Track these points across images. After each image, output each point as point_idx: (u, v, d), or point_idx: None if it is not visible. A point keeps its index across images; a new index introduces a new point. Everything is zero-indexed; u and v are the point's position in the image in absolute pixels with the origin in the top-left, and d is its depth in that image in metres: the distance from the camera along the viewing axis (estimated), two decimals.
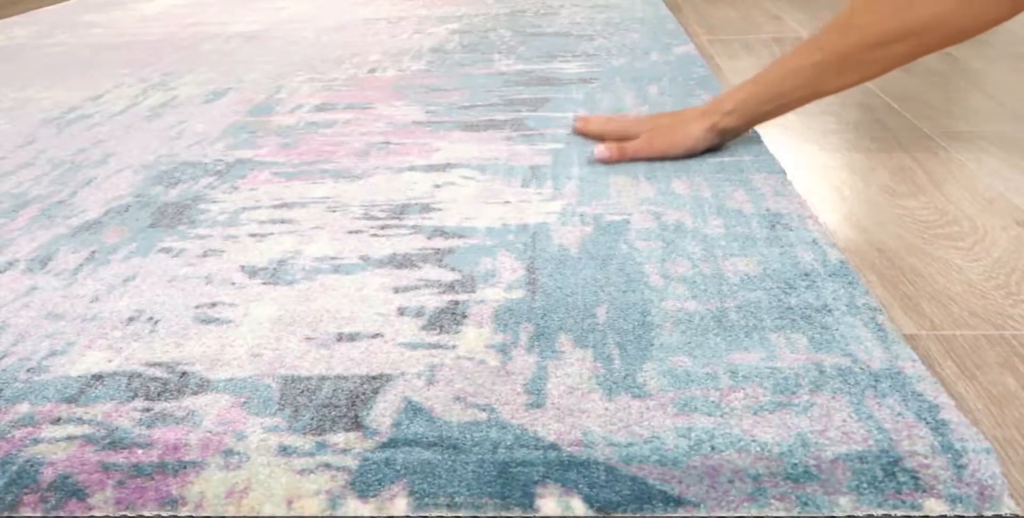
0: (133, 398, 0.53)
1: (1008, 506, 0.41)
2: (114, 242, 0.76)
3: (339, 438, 0.48)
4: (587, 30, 1.61)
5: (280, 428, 0.49)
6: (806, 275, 0.63)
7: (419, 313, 0.61)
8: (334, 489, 0.45)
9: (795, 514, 0.42)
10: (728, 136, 0.89)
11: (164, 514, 0.44)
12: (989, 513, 0.41)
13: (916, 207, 0.78)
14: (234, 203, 0.83)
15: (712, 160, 0.88)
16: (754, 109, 0.85)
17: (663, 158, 0.87)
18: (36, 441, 0.49)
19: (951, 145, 0.92)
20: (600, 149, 0.88)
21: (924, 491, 0.42)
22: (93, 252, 0.74)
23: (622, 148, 0.88)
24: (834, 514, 0.41)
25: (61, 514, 0.44)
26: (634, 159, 0.88)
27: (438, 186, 0.85)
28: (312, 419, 0.50)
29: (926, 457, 0.44)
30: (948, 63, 1.26)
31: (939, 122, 1.00)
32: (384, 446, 0.47)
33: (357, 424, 0.49)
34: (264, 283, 0.67)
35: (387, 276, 0.67)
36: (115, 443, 0.48)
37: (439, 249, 0.71)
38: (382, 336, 0.58)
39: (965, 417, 0.47)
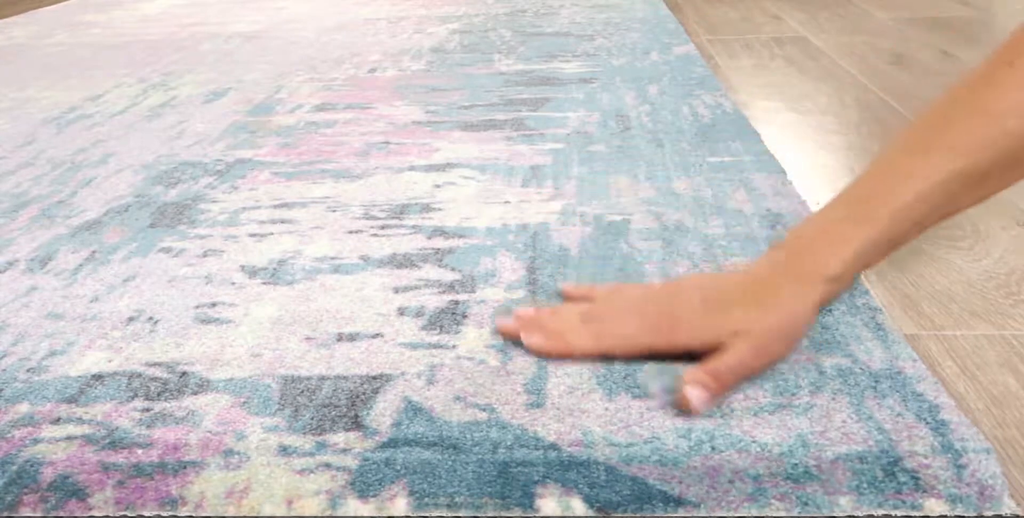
0: (133, 398, 0.53)
1: (1008, 506, 0.41)
2: (114, 242, 0.76)
3: (339, 438, 0.48)
4: (587, 30, 1.61)
5: (280, 428, 0.49)
6: None
7: (419, 313, 0.61)
8: (334, 489, 0.45)
9: (795, 514, 0.42)
10: (830, 304, 0.59)
11: (164, 514, 0.44)
12: (989, 513, 0.41)
13: None
14: (234, 203, 0.83)
15: (712, 160, 0.88)
16: (868, 259, 0.54)
17: (772, 366, 0.52)
18: (36, 441, 0.49)
19: None
20: (695, 393, 0.48)
21: (924, 491, 0.42)
22: (93, 252, 0.74)
23: (719, 375, 0.49)
24: (834, 514, 0.41)
25: (61, 514, 0.44)
26: (740, 384, 0.51)
27: (438, 186, 0.85)
28: (312, 419, 0.50)
29: (926, 457, 0.44)
30: (948, 63, 1.26)
31: None
32: (384, 446, 0.47)
33: (357, 424, 0.49)
34: (264, 283, 0.67)
35: (387, 276, 0.67)
36: (115, 443, 0.48)
37: (439, 249, 0.71)
38: (382, 336, 0.58)
39: (965, 417, 0.47)
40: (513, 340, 0.56)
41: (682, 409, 0.48)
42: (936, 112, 0.54)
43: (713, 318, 0.52)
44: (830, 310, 0.58)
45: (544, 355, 0.54)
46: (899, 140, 0.55)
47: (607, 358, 0.53)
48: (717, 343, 0.51)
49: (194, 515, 0.44)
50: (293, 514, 0.43)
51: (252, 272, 0.69)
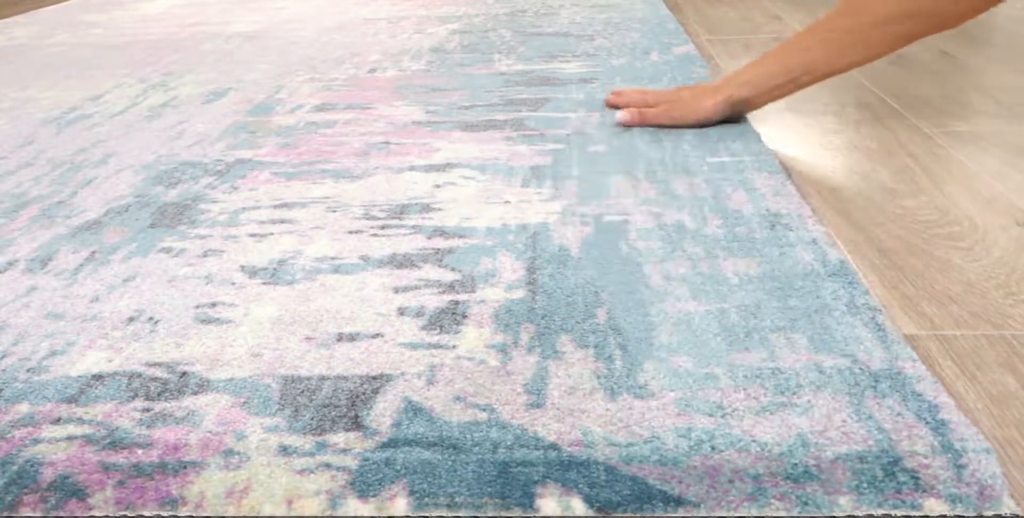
0: (133, 398, 0.53)
1: (1008, 506, 0.41)
2: (114, 242, 0.76)
3: (339, 438, 0.48)
4: (587, 30, 1.61)
5: (280, 428, 0.49)
6: (806, 275, 0.63)
7: (419, 313, 0.61)
8: (334, 489, 0.45)
9: (795, 514, 0.42)
10: (741, 108, 0.95)
11: (164, 514, 0.44)
12: (989, 513, 0.41)
13: (916, 207, 0.78)
14: (234, 203, 0.83)
15: (712, 160, 0.88)
16: (767, 82, 0.91)
17: (678, 126, 0.97)
18: (36, 441, 0.49)
19: (951, 145, 0.92)
20: (621, 113, 0.98)
21: (924, 491, 0.42)
22: (93, 252, 0.74)
23: (643, 113, 0.97)
24: (834, 514, 0.41)
25: (61, 514, 0.44)
26: (653, 124, 0.98)
27: (438, 186, 0.85)
28: (312, 419, 0.50)
29: (926, 457, 0.44)
30: (947, 63, 1.26)
31: (939, 122, 1.00)
32: (384, 446, 0.47)
33: (357, 424, 0.49)
34: (264, 283, 0.67)
35: (387, 276, 0.67)
36: (115, 443, 0.48)
37: (439, 249, 0.71)
38: (382, 336, 0.58)
39: (965, 417, 0.47)
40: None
41: (618, 122, 0.99)
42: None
43: (670, 94, 1.01)
44: (830, 310, 0.58)
45: (607, 104, 1.09)
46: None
47: (631, 107, 1.01)
48: (659, 104, 0.99)
49: (194, 515, 0.44)
50: (293, 514, 0.43)
51: (252, 272, 0.69)
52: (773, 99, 0.93)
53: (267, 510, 0.44)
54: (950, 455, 0.44)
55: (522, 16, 1.81)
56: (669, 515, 0.42)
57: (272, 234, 0.76)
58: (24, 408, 0.52)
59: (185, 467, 0.47)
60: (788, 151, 0.94)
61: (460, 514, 0.43)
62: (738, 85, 0.94)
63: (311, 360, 0.56)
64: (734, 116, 0.97)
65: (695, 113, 0.96)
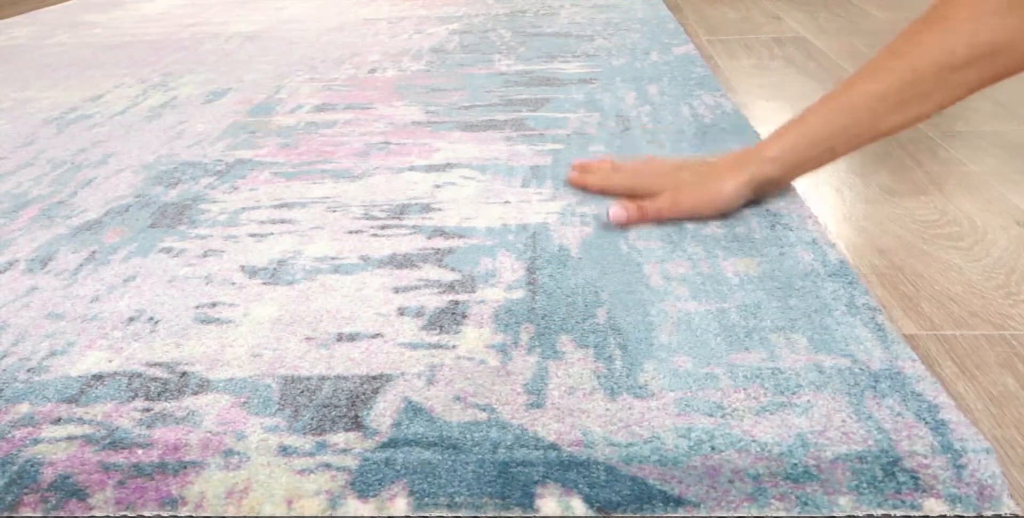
0: (133, 398, 0.53)
1: (1008, 506, 0.41)
2: (114, 242, 0.76)
3: (339, 438, 0.48)
4: (587, 30, 1.61)
5: (280, 428, 0.49)
6: (806, 275, 0.63)
7: (419, 313, 0.61)
8: (334, 489, 0.45)
9: (795, 514, 0.42)
10: (767, 188, 0.74)
11: (164, 514, 0.44)
12: (989, 513, 0.41)
13: (916, 207, 0.78)
14: (234, 203, 0.83)
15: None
16: (801, 154, 0.71)
17: (691, 218, 0.73)
18: (36, 441, 0.49)
19: (951, 145, 0.92)
20: (616, 210, 0.72)
21: (924, 491, 0.42)
22: (93, 252, 0.74)
23: (643, 208, 0.72)
24: (834, 514, 0.41)
25: (61, 514, 0.44)
26: (656, 221, 0.73)
27: (438, 186, 0.85)
28: (312, 419, 0.50)
29: (926, 457, 0.44)
30: None
31: (939, 122, 1.00)
32: (384, 446, 0.47)
33: (357, 424, 0.49)
34: (264, 283, 0.67)
35: (387, 276, 0.67)
36: (115, 443, 0.48)
37: (439, 249, 0.71)
38: (382, 336, 0.58)
39: (965, 417, 0.47)
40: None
41: (610, 220, 0.72)
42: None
43: (666, 176, 0.76)
44: (830, 310, 0.58)
45: (586, 187, 0.81)
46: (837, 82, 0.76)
47: (604, 192, 0.79)
48: (659, 192, 0.74)
49: (194, 515, 0.44)
50: (293, 514, 0.43)
51: (252, 272, 0.69)
52: (805, 173, 0.74)
53: (267, 510, 0.44)
54: (950, 455, 0.44)
55: (522, 16, 1.81)
56: (669, 515, 0.42)
57: (272, 234, 0.76)
58: (24, 408, 0.52)
59: (185, 467, 0.47)
60: None
61: (460, 514, 0.43)
62: (764, 161, 0.72)
63: (311, 360, 0.56)
64: (757, 198, 0.75)
65: (712, 202, 0.72)
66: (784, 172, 0.72)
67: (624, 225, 0.72)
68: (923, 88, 0.65)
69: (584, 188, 0.81)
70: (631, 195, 0.76)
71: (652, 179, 0.76)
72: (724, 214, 0.73)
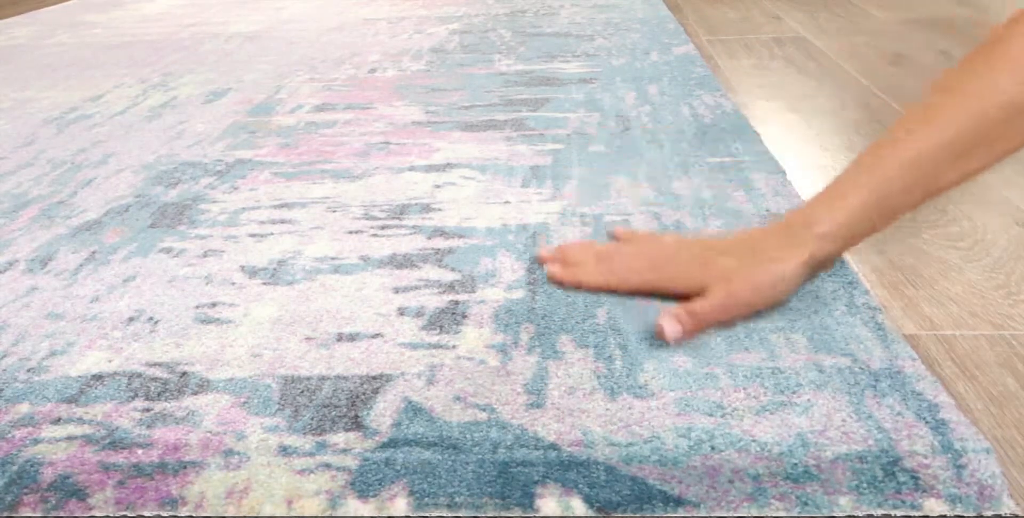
0: (133, 398, 0.53)
1: (1008, 506, 0.41)
2: (114, 242, 0.76)
3: (339, 438, 0.48)
4: (587, 30, 1.61)
5: (280, 428, 0.49)
6: None
7: (419, 313, 0.61)
8: (334, 489, 0.45)
9: (795, 514, 0.42)
10: (824, 268, 0.60)
11: (164, 514, 0.44)
12: (989, 513, 0.41)
13: None
14: (234, 203, 0.83)
15: (712, 160, 0.88)
16: (861, 225, 0.57)
17: (745, 317, 0.58)
18: (36, 441, 0.49)
19: None
20: (670, 325, 0.55)
21: (924, 491, 0.42)
22: (93, 252, 0.74)
23: (698, 315, 0.55)
24: (834, 514, 0.41)
25: (61, 514, 0.44)
26: (710, 326, 0.57)
27: (438, 186, 0.85)
28: (312, 419, 0.50)
29: (926, 457, 0.44)
30: (948, 63, 1.26)
31: None
32: (384, 446, 0.47)
33: (357, 424, 0.49)
34: (264, 283, 0.67)
35: (387, 276, 0.67)
36: (115, 443, 0.48)
37: (439, 249, 0.71)
38: (382, 336, 0.58)
39: (965, 417, 0.47)
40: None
41: (658, 338, 0.55)
42: (924, 99, 0.59)
43: (702, 265, 0.59)
44: (830, 310, 0.58)
45: (556, 283, 0.64)
46: (889, 128, 0.60)
47: (610, 291, 0.62)
48: (701, 288, 0.57)
49: (194, 515, 0.44)
50: (293, 514, 0.43)
51: (252, 272, 0.69)
52: (860, 242, 0.60)
53: (267, 510, 0.44)
54: (950, 455, 0.44)
55: (522, 16, 1.81)
56: (669, 515, 0.42)
57: (272, 234, 0.76)
58: (24, 408, 0.52)
59: (185, 467, 0.47)
60: (788, 151, 0.93)
61: (460, 514, 0.43)
62: (822, 238, 0.57)
63: (311, 360, 0.56)
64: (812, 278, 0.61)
65: (773, 293, 0.58)
66: (843, 246, 0.58)
67: (679, 340, 0.55)
68: (990, 135, 0.55)
69: (578, 287, 0.63)
70: (647, 292, 0.60)
71: (683, 269, 0.60)
72: (780, 305, 0.59)
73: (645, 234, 0.69)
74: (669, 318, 0.55)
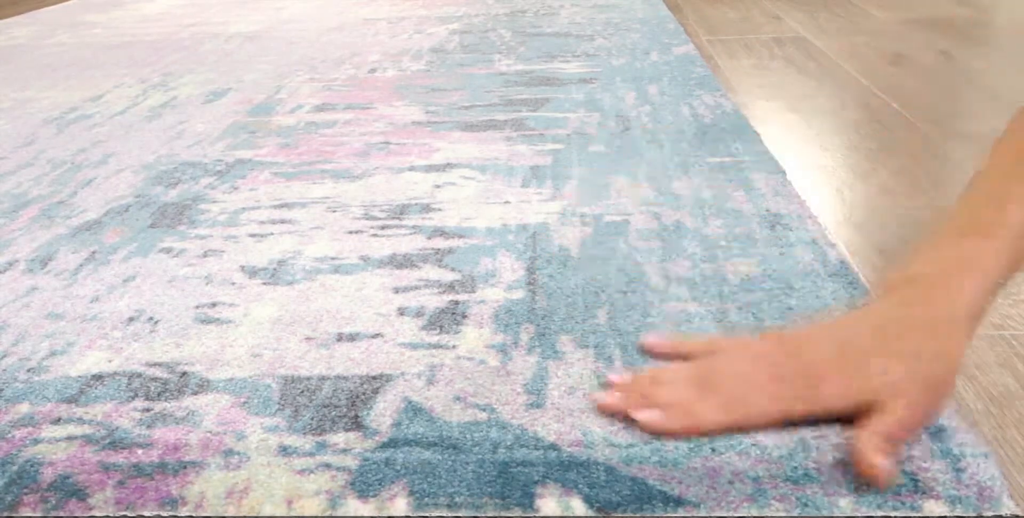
0: (133, 398, 0.53)
1: (1008, 506, 0.41)
2: (114, 242, 0.76)
3: (339, 438, 0.48)
4: (587, 30, 1.61)
5: (280, 428, 0.49)
6: (806, 275, 0.63)
7: (419, 313, 0.61)
8: (334, 489, 0.45)
9: (795, 515, 0.42)
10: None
11: (164, 514, 0.44)
12: (989, 513, 0.41)
13: (916, 207, 0.78)
14: (234, 203, 0.83)
15: (712, 160, 0.88)
16: (993, 292, 0.48)
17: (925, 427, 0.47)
18: (36, 441, 0.49)
19: (951, 145, 0.92)
20: (883, 466, 0.42)
21: (923, 493, 0.42)
22: (93, 252, 0.74)
23: (896, 435, 0.44)
24: (834, 515, 0.41)
25: (61, 514, 0.44)
26: (905, 437, 0.45)
27: (438, 186, 0.85)
28: (312, 419, 0.50)
29: (925, 461, 0.44)
30: (948, 63, 1.26)
31: (939, 122, 1.00)
32: (384, 446, 0.47)
33: (357, 424, 0.49)
34: (264, 283, 0.67)
35: (387, 276, 0.67)
36: (115, 443, 0.48)
37: (439, 249, 0.71)
38: (382, 336, 0.58)
39: (965, 418, 0.47)
40: (622, 417, 0.48)
41: (864, 482, 0.43)
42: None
43: (856, 374, 0.46)
44: (830, 311, 0.58)
45: (668, 435, 0.46)
46: (993, 167, 0.52)
47: (740, 430, 0.46)
48: (867, 403, 0.45)
49: (194, 515, 0.44)
50: (293, 514, 0.43)
51: (252, 272, 0.69)
52: None
53: (267, 510, 0.44)
54: (949, 457, 0.44)
55: (522, 16, 1.81)
56: (669, 515, 0.42)
57: (272, 234, 0.76)
58: (24, 408, 0.52)
59: (185, 467, 0.46)
60: (788, 151, 0.93)
61: (460, 514, 0.43)
62: (968, 322, 0.47)
63: (311, 360, 0.56)
64: None
65: (948, 393, 0.46)
66: (976, 326, 0.48)
67: (888, 480, 0.43)
68: None
69: (697, 435, 0.47)
70: (789, 421, 0.47)
71: (836, 383, 0.46)
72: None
73: (699, 343, 0.53)
74: (878, 455, 0.42)
